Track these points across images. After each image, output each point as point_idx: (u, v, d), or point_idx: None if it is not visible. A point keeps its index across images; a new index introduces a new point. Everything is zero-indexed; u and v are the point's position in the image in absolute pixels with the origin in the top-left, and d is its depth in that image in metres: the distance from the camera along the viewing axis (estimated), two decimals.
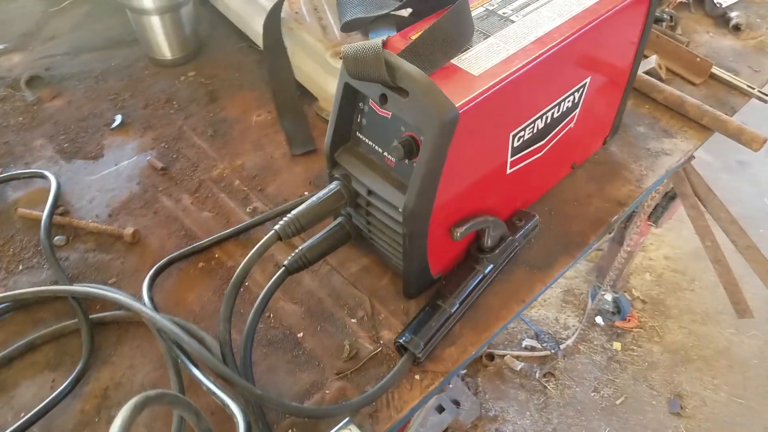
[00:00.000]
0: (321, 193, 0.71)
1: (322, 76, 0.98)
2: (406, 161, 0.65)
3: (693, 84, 1.12)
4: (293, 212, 0.69)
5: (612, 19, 0.74)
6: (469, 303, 0.74)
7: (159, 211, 0.88)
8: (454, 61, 0.65)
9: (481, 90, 0.61)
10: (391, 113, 0.65)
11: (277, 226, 0.69)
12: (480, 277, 0.75)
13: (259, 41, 1.04)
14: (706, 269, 2.35)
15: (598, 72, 0.81)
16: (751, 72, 1.17)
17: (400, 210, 0.65)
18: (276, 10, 1.00)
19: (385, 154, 0.68)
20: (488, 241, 0.75)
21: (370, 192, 0.69)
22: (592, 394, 2.07)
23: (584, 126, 0.85)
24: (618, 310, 2.21)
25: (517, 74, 0.64)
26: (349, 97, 0.68)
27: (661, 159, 0.98)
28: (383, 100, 0.62)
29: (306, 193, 0.90)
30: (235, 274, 0.67)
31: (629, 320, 2.23)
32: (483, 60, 0.65)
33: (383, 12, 0.76)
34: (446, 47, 0.63)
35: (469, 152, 0.65)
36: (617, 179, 0.94)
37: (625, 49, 0.85)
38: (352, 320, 0.76)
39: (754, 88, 1.10)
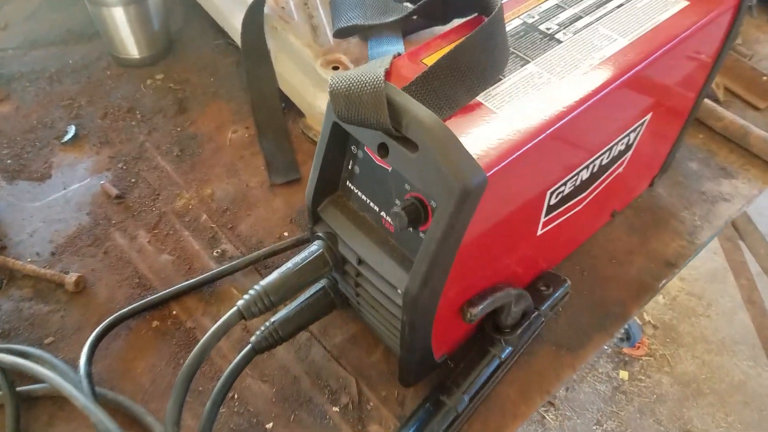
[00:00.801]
0: (298, 258, 0.55)
1: (310, 90, 0.82)
2: (411, 229, 0.49)
3: (756, 108, 0.93)
4: (262, 283, 0.54)
5: (689, 40, 0.57)
6: (482, 398, 0.59)
7: (110, 250, 0.74)
8: (479, 97, 0.48)
9: (516, 143, 0.45)
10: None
11: (240, 302, 0.53)
12: (496, 364, 0.59)
13: (239, 39, 0.87)
14: (723, 293, 2.19)
15: (662, 104, 0.64)
16: None
17: (400, 292, 0.49)
18: (258, 3, 0.83)
19: (383, 214, 0.52)
20: (508, 319, 0.60)
21: (360, 261, 0.53)
22: (594, 428, 1.92)
23: (634, 168, 0.69)
24: (627, 335, 2.05)
25: (564, 120, 0.47)
26: (339, 139, 0.51)
27: (719, 206, 0.80)
28: (383, 151, 0.46)
29: (286, 234, 0.75)
30: (185, 365, 0.52)
31: (638, 347, 2.07)
32: (520, 98, 0.48)
33: (386, 21, 0.61)
34: (472, 79, 0.47)
35: (494, 220, 0.49)
36: (665, 231, 0.77)
37: (696, 74, 0.67)
38: (334, 408, 0.61)
39: None
